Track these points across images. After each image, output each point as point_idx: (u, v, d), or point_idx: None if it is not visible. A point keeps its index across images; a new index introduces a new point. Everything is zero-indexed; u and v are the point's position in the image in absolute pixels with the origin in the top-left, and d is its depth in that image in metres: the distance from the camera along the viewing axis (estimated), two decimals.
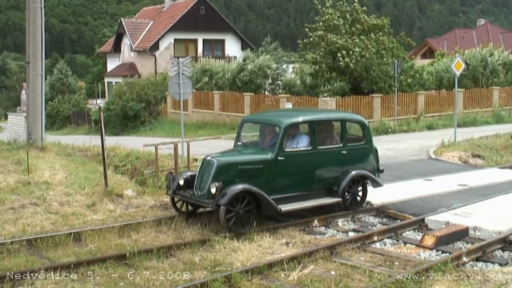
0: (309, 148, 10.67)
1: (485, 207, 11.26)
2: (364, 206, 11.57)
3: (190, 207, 10.81)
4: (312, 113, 12.54)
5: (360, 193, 11.35)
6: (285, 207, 10.16)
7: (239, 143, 11.25)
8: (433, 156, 18.31)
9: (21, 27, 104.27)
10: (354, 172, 11.06)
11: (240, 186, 9.70)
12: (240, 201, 9.69)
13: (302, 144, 10.74)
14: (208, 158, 10.23)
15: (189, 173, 10.73)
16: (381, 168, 12.01)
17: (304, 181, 10.66)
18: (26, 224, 10.22)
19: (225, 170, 9.98)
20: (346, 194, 10.99)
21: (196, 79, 32.23)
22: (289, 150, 10.49)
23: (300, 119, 11.00)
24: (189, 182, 10.37)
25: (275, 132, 10.58)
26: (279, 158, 10.25)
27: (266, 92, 32.27)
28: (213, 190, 9.58)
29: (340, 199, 10.88)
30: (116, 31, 52.33)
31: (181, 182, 10.44)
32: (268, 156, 10.25)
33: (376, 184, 11.65)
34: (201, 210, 10.70)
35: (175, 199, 10.73)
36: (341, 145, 11.11)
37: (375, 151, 11.82)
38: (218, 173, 9.84)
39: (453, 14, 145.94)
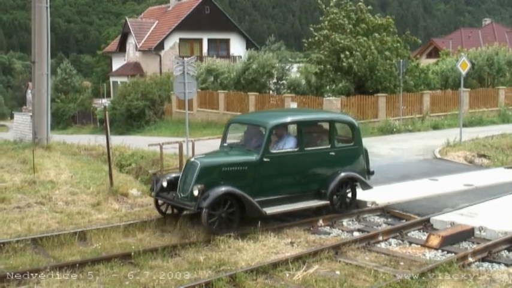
0: (296, 149, 10.43)
1: (491, 207, 11.22)
2: (369, 206, 11.54)
3: (175, 210, 10.55)
4: (300, 113, 12.34)
5: (349, 195, 11.11)
6: (270, 210, 9.93)
7: (225, 144, 11.02)
8: (438, 156, 18.25)
9: (26, 27, 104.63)
10: (342, 174, 10.82)
11: (223, 189, 9.50)
12: (223, 203, 9.51)
13: (289, 145, 10.50)
14: (192, 159, 10.09)
15: (173, 175, 10.48)
16: (371, 170, 11.79)
17: (291, 183, 10.43)
18: (32, 222, 10.25)
19: (209, 172, 9.77)
20: (335, 196, 10.75)
21: (201, 79, 32.25)
22: (275, 151, 10.26)
23: (286, 119, 10.84)
24: (173, 184, 10.11)
25: (261, 133, 10.36)
26: (264, 159, 10.02)
27: (271, 92, 32.26)
28: (196, 192, 9.39)
29: (328, 202, 10.64)
30: (121, 31, 52.42)
31: (165, 184, 10.20)
32: (253, 157, 10.03)
33: (366, 186, 11.37)
34: (185, 212, 10.46)
35: (160, 201, 10.50)
36: (329, 146, 10.86)
37: (365, 152, 11.59)
38: (201, 175, 9.63)
39: (458, 14, 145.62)
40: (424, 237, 9.73)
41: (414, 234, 10.11)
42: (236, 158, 10.19)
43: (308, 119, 11.21)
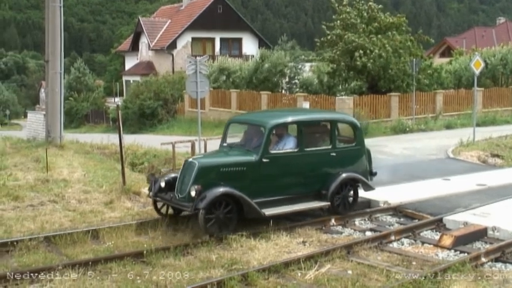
0: (296, 150, 10.21)
1: (504, 207, 11.13)
2: (381, 205, 11.50)
3: (174, 211, 10.36)
4: (301, 113, 12.10)
5: (351, 197, 10.89)
6: (269, 211, 9.71)
7: (224, 144, 10.80)
8: (451, 155, 18.16)
9: (40, 26, 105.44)
10: (344, 175, 10.58)
11: (220, 190, 9.29)
12: (220, 204, 9.30)
13: (288, 145, 10.29)
14: (190, 159, 9.92)
15: (172, 175, 10.26)
16: (374, 171, 11.55)
17: (291, 184, 10.22)
18: (45, 221, 10.31)
19: (207, 172, 9.56)
20: (336, 197, 10.52)
21: (214, 78, 32.29)
22: (274, 152, 10.06)
23: (286, 119, 10.66)
24: (171, 184, 9.90)
25: (261, 133, 10.10)
26: (264, 160, 9.81)
27: (283, 91, 32.24)
28: (193, 193, 9.19)
29: (328, 203, 10.42)
30: (134, 30, 52.64)
31: (163, 185, 9.99)
32: (252, 158, 9.82)
33: (368, 187, 11.12)
34: (184, 213, 10.24)
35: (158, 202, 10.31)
36: (330, 147, 10.62)
37: (368, 153, 11.37)
38: (199, 175, 9.42)
39: (472, 12, 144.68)
40: (437, 237, 9.68)
41: (427, 234, 10.06)
42: (235, 159, 9.99)
43: (309, 119, 11.01)
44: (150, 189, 10.30)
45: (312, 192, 10.48)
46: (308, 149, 10.35)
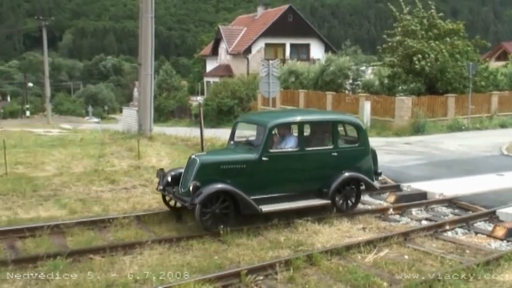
0: (296, 149, 9.58)
1: None
2: (437, 197, 11.14)
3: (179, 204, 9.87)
4: (304, 114, 11.21)
5: (354, 196, 10.18)
6: (266, 208, 9.14)
7: (231, 142, 10.31)
8: (505, 152, 17.34)
9: (134, 34, 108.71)
10: (346, 174, 9.88)
11: (217, 186, 8.80)
12: (217, 200, 8.83)
13: (289, 145, 9.72)
14: (193, 156, 9.51)
15: (179, 170, 9.74)
16: (379, 171, 10.84)
17: (291, 182, 9.56)
18: (136, 202, 10.62)
19: (207, 169, 9.07)
20: (337, 196, 9.91)
21: (284, 79, 32.27)
22: (274, 150, 9.45)
23: (286, 120, 10.09)
24: (177, 179, 9.49)
25: (263, 132, 9.52)
26: (263, 158, 9.24)
27: (346, 91, 31.81)
28: (192, 188, 8.81)
29: (329, 201, 9.77)
30: (214, 37, 53.37)
31: (169, 179, 9.59)
32: (253, 156, 9.27)
33: (371, 187, 10.43)
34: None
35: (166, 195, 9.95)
36: (332, 147, 9.91)
37: (373, 153, 10.65)
38: (200, 172, 8.98)
39: None
40: (490, 228, 9.29)
41: (480, 225, 9.67)
42: (235, 156, 9.47)
43: (309, 120, 10.29)
44: (158, 183, 10.00)
45: (313, 190, 9.86)
46: (309, 149, 9.72)
